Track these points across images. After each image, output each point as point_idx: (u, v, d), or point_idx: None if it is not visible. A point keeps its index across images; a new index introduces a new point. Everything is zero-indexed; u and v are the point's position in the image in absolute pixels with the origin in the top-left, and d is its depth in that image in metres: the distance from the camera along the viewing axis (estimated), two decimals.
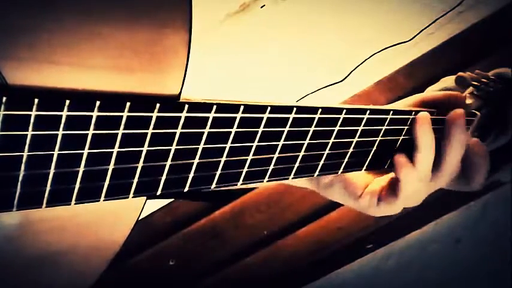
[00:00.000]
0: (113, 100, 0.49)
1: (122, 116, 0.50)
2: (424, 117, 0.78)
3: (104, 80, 0.49)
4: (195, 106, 0.54)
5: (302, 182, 0.85)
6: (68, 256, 0.61)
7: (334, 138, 0.70)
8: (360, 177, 0.82)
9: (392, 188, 0.79)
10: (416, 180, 0.78)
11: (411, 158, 0.78)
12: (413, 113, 0.77)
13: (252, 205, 1.89)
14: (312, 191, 0.87)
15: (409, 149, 0.78)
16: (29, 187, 0.49)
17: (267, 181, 0.67)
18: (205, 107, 0.55)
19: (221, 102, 0.56)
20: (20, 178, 0.48)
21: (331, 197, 0.84)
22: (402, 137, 0.78)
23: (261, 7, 2.16)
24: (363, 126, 0.72)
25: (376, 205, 0.80)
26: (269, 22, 2.15)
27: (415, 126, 0.77)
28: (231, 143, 0.60)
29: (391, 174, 0.81)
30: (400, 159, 0.77)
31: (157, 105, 0.52)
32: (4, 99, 0.43)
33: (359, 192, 0.81)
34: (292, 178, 0.71)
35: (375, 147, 0.76)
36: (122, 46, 0.49)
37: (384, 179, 0.81)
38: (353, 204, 0.82)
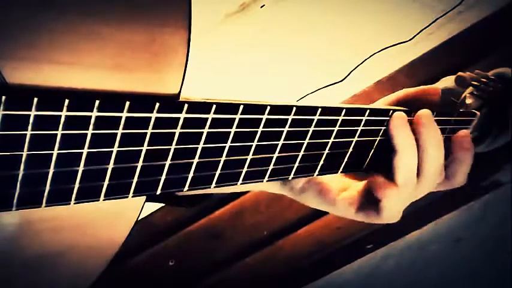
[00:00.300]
0: (112, 99, 0.49)
1: (121, 116, 0.50)
2: (398, 117, 0.75)
3: (103, 79, 0.49)
4: (194, 106, 0.54)
5: (276, 189, 0.83)
6: (68, 256, 0.61)
7: (334, 138, 0.70)
8: (334, 182, 0.80)
9: (372, 205, 0.76)
10: (398, 199, 0.75)
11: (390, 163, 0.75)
12: (413, 113, 0.77)
13: (252, 205, 1.89)
14: None
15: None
16: (29, 186, 0.49)
17: (267, 181, 0.67)
18: (205, 106, 0.55)
19: (221, 101, 0.56)
20: (20, 177, 0.48)
21: (306, 202, 0.82)
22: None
23: (261, 7, 2.16)
24: (363, 126, 0.72)
25: (354, 213, 0.78)
26: (269, 22, 2.15)
27: (389, 128, 0.74)
28: (231, 143, 0.60)
29: (369, 181, 0.78)
30: (379, 180, 0.75)
31: (157, 104, 0.52)
32: (3, 98, 0.43)
33: (333, 197, 0.78)
34: (292, 178, 0.70)
35: (374, 147, 0.76)
36: (121, 45, 0.49)
37: (362, 186, 0.78)
38: (328, 209, 0.80)
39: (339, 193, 0.79)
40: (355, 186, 0.79)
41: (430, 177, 0.76)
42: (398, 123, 0.74)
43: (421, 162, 0.75)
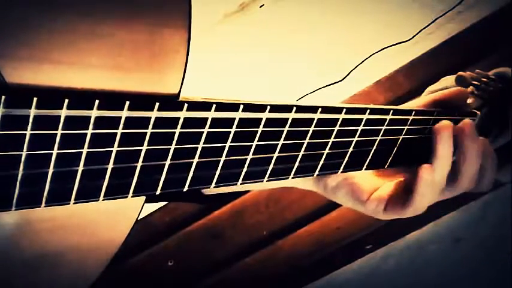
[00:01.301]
0: (112, 99, 0.49)
1: (121, 115, 0.50)
2: (446, 126, 0.77)
3: (103, 79, 0.49)
4: (194, 105, 0.54)
5: (309, 185, 0.85)
6: (67, 256, 0.61)
7: (334, 138, 0.70)
8: (367, 182, 0.82)
9: (404, 199, 0.78)
10: (432, 194, 0.77)
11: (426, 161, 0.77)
12: (414, 113, 0.77)
13: (252, 205, 1.89)
14: (312, 191, 0.87)
15: (410, 149, 0.78)
16: (28, 186, 0.49)
17: (267, 181, 0.67)
18: (205, 106, 0.55)
19: (221, 101, 0.56)
20: (19, 177, 0.48)
21: (337, 200, 0.84)
22: (402, 137, 0.78)
23: (260, 6, 2.16)
24: (363, 125, 0.72)
25: (382, 212, 0.80)
26: (268, 22, 2.15)
27: (435, 135, 0.77)
28: (231, 143, 0.60)
29: (400, 180, 0.81)
30: (425, 175, 0.76)
31: (157, 104, 0.51)
32: (3, 98, 0.43)
33: (365, 197, 0.80)
34: (292, 178, 0.70)
35: (374, 147, 0.76)
36: (121, 45, 0.49)
37: (392, 186, 0.81)
38: (359, 208, 0.82)
39: (370, 194, 0.81)
40: (385, 187, 0.81)
41: (464, 182, 0.79)
42: (445, 133, 0.77)
43: (459, 168, 0.78)
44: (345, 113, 0.69)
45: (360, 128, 0.72)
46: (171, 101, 0.53)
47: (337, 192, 0.83)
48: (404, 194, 0.78)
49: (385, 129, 0.75)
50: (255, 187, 0.82)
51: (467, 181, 0.78)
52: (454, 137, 0.77)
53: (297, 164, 0.69)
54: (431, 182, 0.76)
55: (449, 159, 0.77)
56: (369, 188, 0.81)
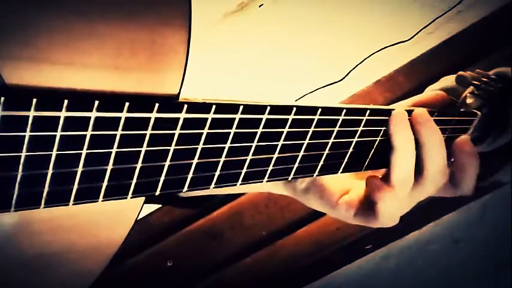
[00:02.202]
0: (111, 100, 0.49)
1: (120, 116, 0.50)
2: (397, 113, 0.73)
3: (102, 79, 0.49)
4: (194, 106, 0.54)
5: (279, 190, 0.83)
6: (66, 256, 0.61)
7: (334, 138, 0.70)
8: (336, 184, 0.79)
9: (370, 209, 0.75)
10: (394, 201, 0.74)
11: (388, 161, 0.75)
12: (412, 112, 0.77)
13: (251, 206, 1.89)
14: None
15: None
16: (27, 188, 0.48)
17: (267, 181, 0.67)
18: (205, 107, 0.55)
19: (220, 102, 0.56)
20: (18, 179, 0.47)
21: (309, 204, 0.81)
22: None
23: (259, 6, 2.16)
24: (363, 126, 0.72)
25: (352, 217, 0.77)
26: (267, 21, 2.15)
27: (389, 126, 0.73)
28: (230, 143, 0.60)
29: (368, 181, 0.78)
30: (375, 182, 0.74)
31: (156, 105, 0.51)
32: (2, 99, 0.43)
33: (334, 200, 0.78)
34: (292, 178, 0.70)
35: (374, 147, 0.76)
36: (120, 45, 0.49)
37: (361, 189, 0.78)
38: (330, 212, 0.79)
39: (340, 197, 0.78)
40: (355, 190, 0.78)
41: (432, 177, 0.76)
42: (398, 121, 0.73)
43: (422, 162, 0.75)
44: (345, 114, 0.69)
45: (360, 128, 0.72)
46: (171, 102, 0.53)
47: (307, 196, 0.80)
48: (371, 205, 0.75)
49: (384, 130, 0.75)
50: (228, 191, 0.80)
51: (433, 175, 0.75)
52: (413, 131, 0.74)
53: (296, 164, 0.69)
54: (387, 190, 0.74)
55: (408, 148, 0.74)
56: (338, 190, 0.78)
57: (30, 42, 0.44)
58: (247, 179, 0.65)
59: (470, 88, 0.84)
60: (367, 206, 0.76)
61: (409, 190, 0.75)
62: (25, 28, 0.44)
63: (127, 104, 0.49)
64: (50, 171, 0.49)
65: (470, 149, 0.79)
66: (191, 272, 1.91)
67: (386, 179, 0.74)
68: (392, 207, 0.74)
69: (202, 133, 0.56)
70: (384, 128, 0.74)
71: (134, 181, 0.55)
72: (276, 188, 0.82)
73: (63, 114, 0.46)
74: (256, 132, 0.61)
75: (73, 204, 0.52)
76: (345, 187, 0.79)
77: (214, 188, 0.62)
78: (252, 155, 0.63)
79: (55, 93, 0.47)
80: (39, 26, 0.44)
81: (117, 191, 0.54)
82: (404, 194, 0.75)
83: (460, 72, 0.82)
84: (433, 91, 0.85)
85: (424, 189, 0.76)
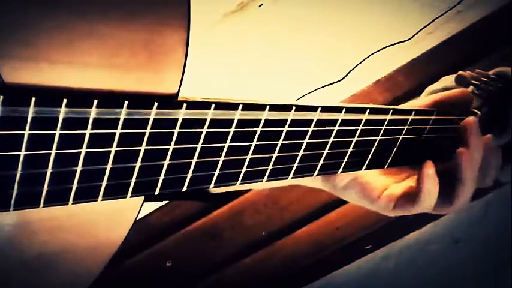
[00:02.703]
0: (110, 99, 0.49)
1: (119, 115, 0.50)
2: (472, 151, 0.78)
3: (101, 79, 0.49)
4: (193, 105, 0.54)
5: (317, 184, 0.86)
6: (66, 256, 0.60)
7: (334, 138, 0.70)
8: (377, 181, 0.83)
9: (412, 197, 0.79)
10: (436, 197, 0.78)
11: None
12: (414, 112, 0.76)
13: (251, 205, 1.88)
14: (311, 191, 0.87)
15: (410, 149, 0.78)
16: (26, 187, 0.48)
17: (266, 181, 0.67)
18: (204, 106, 0.55)
19: (219, 101, 0.56)
20: (17, 178, 0.47)
21: (347, 198, 0.85)
22: (402, 137, 0.78)
23: (259, 6, 2.16)
24: (363, 125, 0.72)
25: (391, 209, 0.81)
26: (267, 21, 2.15)
27: (461, 161, 0.78)
28: (230, 143, 0.59)
29: (410, 181, 0.82)
30: (430, 171, 0.77)
31: (156, 104, 0.51)
32: (1, 98, 0.43)
33: (376, 195, 0.82)
34: (291, 178, 0.70)
35: (374, 147, 0.76)
36: (120, 45, 0.49)
37: (403, 185, 0.82)
38: (368, 205, 0.83)
39: (381, 192, 0.82)
40: (396, 187, 0.82)
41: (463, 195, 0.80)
42: (468, 158, 0.78)
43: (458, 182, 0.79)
44: (345, 113, 0.68)
45: (360, 127, 0.72)
46: (170, 101, 0.53)
47: (347, 191, 0.84)
48: (413, 192, 0.79)
49: (384, 129, 0.75)
50: (256, 186, 0.82)
51: (464, 195, 0.80)
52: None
53: (296, 164, 0.69)
54: (435, 177, 0.77)
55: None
56: (379, 187, 0.82)
57: (29, 42, 0.44)
58: (247, 179, 0.65)
59: (470, 88, 0.83)
60: (408, 199, 0.80)
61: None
62: (24, 27, 0.44)
63: (126, 103, 0.49)
64: (49, 170, 0.49)
65: (495, 148, 0.83)
66: (190, 272, 1.91)
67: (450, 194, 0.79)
68: (433, 200, 0.78)
69: (201, 132, 0.56)
70: (384, 127, 0.74)
71: (133, 180, 0.55)
72: (314, 183, 0.86)
73: (62, 113, 0.46)
74: (256, 131, 0.61)
75: (72, 204, 0.52)
76: (385, 183, 0.83)
77: (213, 187, 0.62)
78: (252, 155, 0.63)
79: (54, 92, 0.47)
80: (38, 25, 0.44)
81: (116, 190, 0.54)
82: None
83: (460, 72, 0.82)
84: (455, 90, 0.86)
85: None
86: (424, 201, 0.77)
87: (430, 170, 0.77)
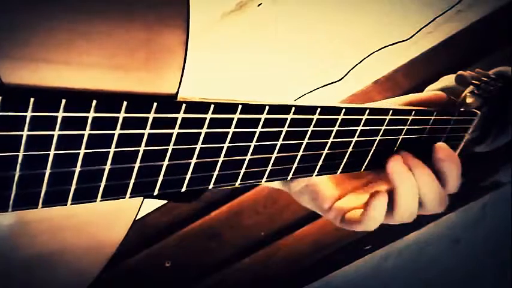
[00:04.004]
0: (109, 99, 0.49)
1: (118, 116, 0.49)
2: (395, 163, 0.77)
3: (100, 79, 0.49)
4: (192, 105, 0.54)
5: (276, 185, 0.85)
6: (64, 257, 0.60)
7: (333, 138, 0.70)
8: (330, 189, 0.81)
9: (356, 217, 0.77)
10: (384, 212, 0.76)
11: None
12: (413, 113, 0.76)
13: (250, 206, 1.89)
14: None
15: (409, 149, 0.78)
16: (25, 188, 0.48)
17: (265, 181, 0.67)
18: (203, 106, 0.55)
19: (219, 101, 0.56)
20: (16, 178, 0.47)
21: (302, 203, 0.84)
22: (402, 137, 0.78)
23: (258, 5, 2.16)
24: (362, 126, 0.72)
25: (339, 222, 0.80)
26: (266, 21, 2.15)
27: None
28: (229, 143, 0.59)
29: (366, 192, 0.80)
30: (378, 202, 0.75)
31: (155, 104, 0.51)
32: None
33: (326, 206, 0.80)
34: (291, 178, 0.70)
35: (374, 147, 0.76)
36: (118, 45, 0.49)
37: (355, 200, 0.80)
38: (321, 214, 0.82)
39: (332, 202, 0.80)
40: (348, 199, 0.81)
41: (430, 207, 0.79)
42: (397, 169, 0.76)
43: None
44: (344, 113, 0.68)
45: (360, 128, 0.72)
46: (169, 101, 0.53)
47: (301, 197, 0.83)
48: (359, 213, 0.77)
49: (384, 129, 0.75)
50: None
51: (404, 211, 0.78)
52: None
53: (295, 164, 0.69)
54: (384, 206, 0.75)
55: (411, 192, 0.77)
56: (330, 196, 0.81)
57: (28, 42, 0.44)
58: (246, 179, 0.65)
59: (470, 88, 0.83)
60: (353, 214, 0.78)
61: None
62: (23, 27, 0.44)
63: (125, 103, 0.49)
64: (48, 171, 0.49)
65: (446, 156, 0.79)
66: (190, 272, 1.91)
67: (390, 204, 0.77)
68: (381, 217, 0.77)
69: (200, 133, 0.56)
70: (383, 127, 0.74)
71: (132, 181, 0.55)
72: (274, 183, 0.83)
73: (60, 113, 0.46)
74: (255, 131, 0.61)
75: (71, 204, 0.52)
76: (336, 193, 0.81)
77: (213, 187, 0.62)
78: (251, 155, 0.63)
79: (53, 92, 0.47)
80: (37, 25, 0.44)
81: (115, 191, 0.54)
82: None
83: (460, 72, 0.82)
84: (433, 91, 0.85)
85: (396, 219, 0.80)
86: (367, 225, 0.76)
87: (379, 200, 0.75)
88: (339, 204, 0.80)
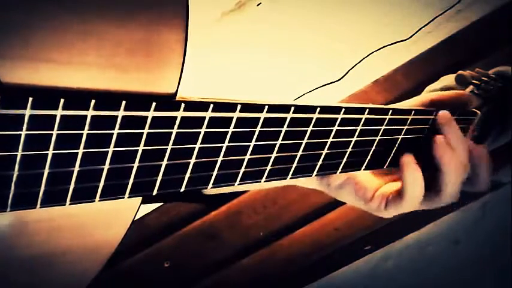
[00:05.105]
0: (108, 99, 0.49)
1: (117, 115, 0.49)
2: (441, 138, 0.78)
3: (99, 78, 0.49)
4: (191, 105, 0.54)
5: (312, 184, 0.86)
6: (63, 257, 0.60)
7: (333, 138, 0.70)
8: (371, 181, 0.82)
9: (399, 192, 0.78)
10: (422, 185, 0.77)
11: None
12: (413, 112, 0.76)
13: (249, 206, 1.88)
14: (310, 192, 0.87)
15: (409, 148, 0.78)
16: (23, 187, 0.48)
17: (265, 181, 0.67)
18: (202, 105, 0.55)
19: (218, 101, 0.56)
20: (14, 178, 0.47)
21: (341, 198, 0.85)
22: (402, 136, 0.77)
23: (257, 5, 2.17)
24: (362, 125, 0.72)
25: (384, 209, 0.80)
26: (265, 20, 2.15)
27: (435, 149, 0.78)
28: (228, 143, 0.59)
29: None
30: (407, 159, 0.77)
31: (154, 104, 0.51)
32: None
33: (369, 195, 0.81)
34: (290, 178, 0.70)
35: (374, 147, 0.76)
36: (117, 44, 0.49)
37: (394, 185, 0.81)
38: (363, 206, 0.83)
39: (374, 192, 0.82)
40: (389, 185, 0.82)
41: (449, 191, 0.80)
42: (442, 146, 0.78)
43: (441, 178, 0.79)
44: (344, 113, 0.68)
45: (359, 127, 0.71)
46: (168, 101, 0.53)
47: (341, 191, 0.84)
48: (399, 188, 0.79)
49: (384, 129, 0.75)
50: (254, 186, 0.82)
51: (450, 191, 0.79)
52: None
53: (295, 164, 0.69)
54: (414, 165, 0.77)
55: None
56: (372, 187, 0.82)
57: (26, 42, 0.44)
58: (246, 179, 0.65)
59: (470, 87, 0.83)
60: (396, 194, 0.80)
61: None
62: (22, 27, 0.44)
63: (124, 102, 0.49)
64: (46, 171, 0.49)
65: (483, 156, 0.81)
66: (189, 272, 1.91)
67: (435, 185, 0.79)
68: (419, 189, 0.78)
69: (199, 132, 0.56)
70: (383, 127, 0.74)
71: (131, 181, 0.55)
72: (309, 183, 0.86)
73: (59, 113, 0.46)
74: (254, 131, 0.61)
75: (70, 204, 0.52)
76: (378, 183, 0.83)
77: (211, 187, 0.62)
78: (250, 155, 0.62)
79: (51, 92, 0.46)
80: (35, 25, 0.44)
81: (114, 191, 0.54)
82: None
83: (460, 72, 0.82)
84: (454, 91, 0.85)
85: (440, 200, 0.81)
86: (409, 191, 0.77)
87: (407, 158, 0.77)
88: (381, 190, 0.81)
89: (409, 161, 0.77)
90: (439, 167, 0.77)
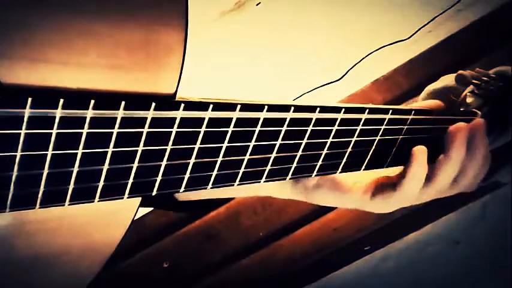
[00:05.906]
0: (107, 99, 0.49)
1: (116, 116, 0.49)
2: (461, 128, 0.77)
3: (98, 78, 0.49)
4: (191, 105, 0.54)
5: (287, 194, 0.84)
6: (62, 257, 0.60)
7: (333, 138, 0.69)
8: (347, 176, 0.81)
9: (394, 181, 0.78)
10: (422, 180, 0.77)
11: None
12: (413, 112, 0.76)
13: (248, 206, 1.89)
14: None
15: (410, 149, 0.78)
16: (22, 188, 0.48)
17: (264, 181, 0.67)
18: (202, 106, 0.55)
19: (217, 101, 0.56)
20: (13, 179, 0.47)
21: (319, 199, 0.82)
22: (402, 136, 0.77)
23: (257, 5, 2.17)
24: (362, 125, 0.71)
25: (370, 198, 0.79)
26: (265, 20, 2.15)
27: (452, 138, 0.77)
28: (228, 143, 0.59)
29: (385, 171, 0.80)
30: (421, 148, 0.76)
31: (153, 104, 0.51)
32: None
33: (348, 186, 0.80)
34: (290, 178, 0.70)
35: (373, 147, 0.76)
36: (117, 44, 0.48)
37: (374, 176, 0.80)
38: (343, 201, 0.81)
39: (353, 185, 0.80)
40: (367, 177, 0.80)
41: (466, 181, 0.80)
42: (462, 138, 0.77)
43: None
44: (344, 113, 0.68)
45: (359, 127, 0.71)
46: (168, 101, 0.53)
47: (319, 190, 0.81)
48: (394, 176, 0.78)
49: (384, 129, 0.74)
50: (226, 195, 0.86)
51: (469, 180, 0.79)
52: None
53: (295, 164, 0.69)
54: (423, 165, 0.76)
55: (458, 162, 0.77)
56: (350, 181, 0.80)
57: (26, 42, 0.44)
58: (245, 179, 0.64)
59: (470, 87, 0.83)
60: (387, 183, 0.78)
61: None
62: (21, 27, 0.44)
63: (123, 103, 0.49)
64: (46, 171, 0.49)
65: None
66: (188, 273, 1.91)
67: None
68: (417, 185, 0.77)
69: (199, 132, 0.56)
70: (383, 127, 0.74)
71: (131, 181, 0.54)
72: (282, 191, 0.84)
73: (58, 113, 0.46)
74: (254, 131, 0.60)
75: (69, 205, 0.52)
76: (354, 178, 0.80)
77: (211, 188, 0.62)
78: (250, 155, 0.62)
79: (50, 92, 0.46)
80: (35, 25, 0.44)
81: (113, 191, 0.54)
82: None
83: (460, 72, 0.82)
84: (430, 101, 0.85)
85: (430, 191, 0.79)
86: (409, 182, 0.76)
87: (421, 148, 0.76)
88: (362, 182, 0.80)
89: (421, 151, 0.76)
90: (446, 146, 0.77)
